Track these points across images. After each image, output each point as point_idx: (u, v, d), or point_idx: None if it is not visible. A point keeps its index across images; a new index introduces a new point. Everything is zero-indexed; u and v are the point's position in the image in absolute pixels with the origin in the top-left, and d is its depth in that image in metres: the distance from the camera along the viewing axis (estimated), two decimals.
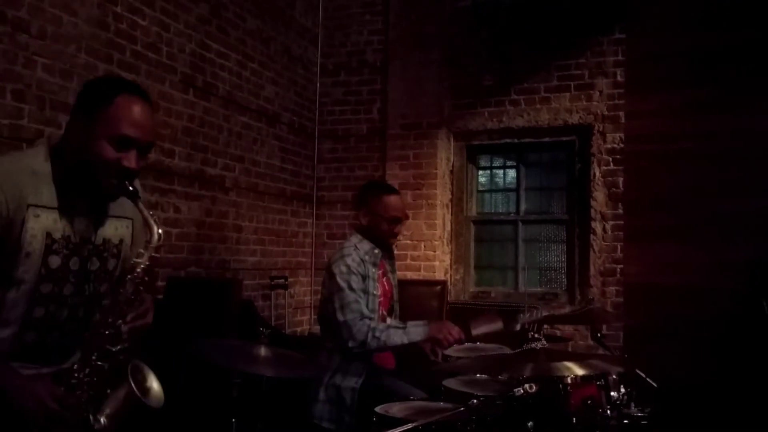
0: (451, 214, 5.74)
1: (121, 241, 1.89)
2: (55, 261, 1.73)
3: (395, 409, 2.37)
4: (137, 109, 1.73)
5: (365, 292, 3.04)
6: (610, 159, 5.17)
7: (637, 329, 4.66)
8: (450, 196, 5.73)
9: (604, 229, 5.17)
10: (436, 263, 5.59)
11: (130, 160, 1.72)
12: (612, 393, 2.55)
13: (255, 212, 5.19)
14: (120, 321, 1.74)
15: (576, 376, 2.38)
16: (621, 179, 5.14)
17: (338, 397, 2.97)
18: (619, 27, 5.17)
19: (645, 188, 5.04)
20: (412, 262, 5.60)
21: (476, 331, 3.10)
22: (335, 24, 6.02)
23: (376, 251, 3.15)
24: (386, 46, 5.84)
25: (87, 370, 1.71)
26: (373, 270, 3.12)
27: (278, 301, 5.39)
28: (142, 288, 1.77)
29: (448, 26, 5.64)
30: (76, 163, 1.73)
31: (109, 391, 1.74)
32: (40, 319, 1.73)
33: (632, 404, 2.59)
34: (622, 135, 5.15)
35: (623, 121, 5.15)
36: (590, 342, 4.70)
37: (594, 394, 2.42)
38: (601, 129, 5.20)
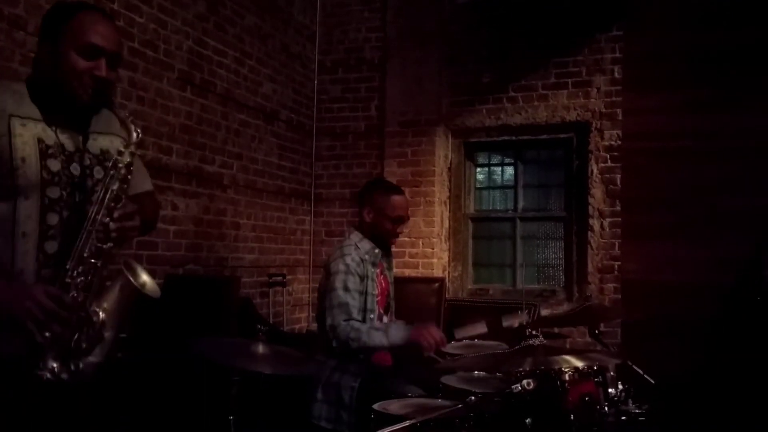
0: (449, 212, 5.74)
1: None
2: (54, 164, 1.76)
3: (393, 406, 2.37)
4: (100, 20, 1.82)
5: (362, 293, 3.03)
6: (608, 156, 5.17)
7: (635, 326, 4.67)
8: (448, 194, 5.73)
9: (602, 227, 5.18)
10: (434, 260, 5.59)
11: (100, 68, 1.78)
12: (610, 390, 2.56)
13: (253, 209, 5.19)
14: (108, 219, 1.76)
15: (574, 372, 2.39)
16: (619, 176, 5.14)
17: (337, 396, 2.96)
18: (617, 25, 5.17)
19: (643, 186, 5.04)
20: (410, 260, 5.60)
21: (459, 335, 3.08)
22: (333, 21, 6.02)
23: (377, 251, 3.14)
24: (384, 44, 5.83)
25: (80, 269, 1.74)
26: (372, 270, 3.11)
27: (276, 299, 5.39)
28: (126, 186, 1.80)
29: (447, 24, 5.64)
30: (50, 83, 1.79)
31: (103, 286, 1.78)
32: (56, 227, 1.76)
33: (630, 401, 2.59)
34: (619, 132, 5.15)
35: (621, 118, 5.15)
36: (588, 339, 4.70)
37: (592, 391, 2.42)
38: (598, 126, 5.21)
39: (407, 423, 2.00)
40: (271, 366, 2.25)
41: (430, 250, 5.58)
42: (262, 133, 5.30)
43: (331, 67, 6.01)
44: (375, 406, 2.32)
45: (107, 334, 1.77)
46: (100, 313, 1.75)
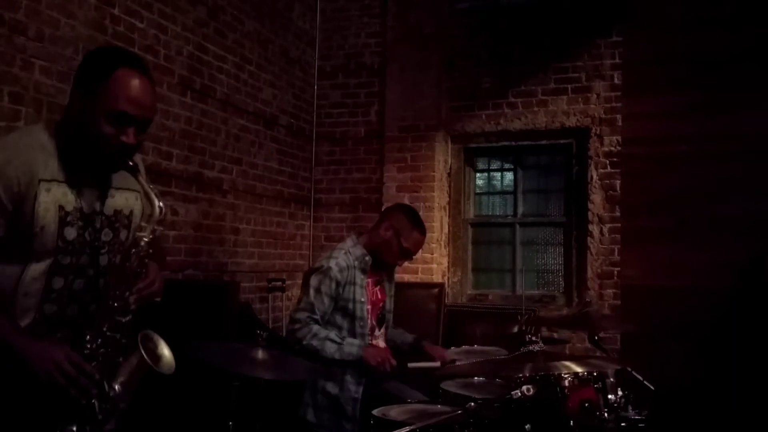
0: (449, 217, 5.74)
1: (132, 212, 1.93)
2: (70, 233, 1.77)
3: (393, 412, 2.37)
4: (135, 85, 1.74)
5: (333, 298, 3.01)
6: (608, 162, 5.18)
7: (634, 332, 4.66)
8: (448, 199, 5.73)
9: (601, 232, 5.17)
10: (434, 266, 5.58)
11: (129, 135, 1.75)
12: (609, 396, 2.55)
13: (253, 214, 5.19)
14: (127, 293, 1.78)
15: (574, 378, 2.39)
16: (618, 182, 5.14)
17: (337, 406, 2.95)
18: (616, 30, 5.18)
19: (642, 191, 5.04)
20: (410, 265, 5.55)
21: (412, 366, 3.06)
22: (333, 26, 6.03)
23: (367, 258, 3.11)
24: (384, 49, 5.84)
25: (99, 341, 1.76)
26: (361, 276, 3.08)
27: (276, 304, 5.39)
28: (147, 260, 1.81)
29: (446, 29, 5.65)
30: (78, 137, 1.76)
31: (121, 360, 1.80)
32: (59, 290, 1.77)
33: (629, 407, 2.59)
34: (619, 138, 5.15)
35: (620, 123, 5.15)
36: (587, 345, 4.70)
37: (591, 397, 2.42)
38: (598, 132, 5.21)
39: (407, 429, 2.00)
40: (270, 371, 2.25)
41: (429, 255, 5.57)
42: (262, 138, 5.31)
43: (331, 72, 6.01)
44: (374, 412, 2.32)
45: (122, 405, 1.80)
46: (116, 386, 1.77)
